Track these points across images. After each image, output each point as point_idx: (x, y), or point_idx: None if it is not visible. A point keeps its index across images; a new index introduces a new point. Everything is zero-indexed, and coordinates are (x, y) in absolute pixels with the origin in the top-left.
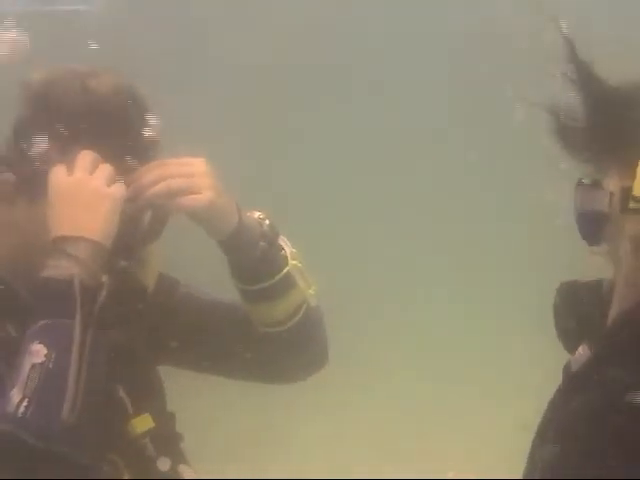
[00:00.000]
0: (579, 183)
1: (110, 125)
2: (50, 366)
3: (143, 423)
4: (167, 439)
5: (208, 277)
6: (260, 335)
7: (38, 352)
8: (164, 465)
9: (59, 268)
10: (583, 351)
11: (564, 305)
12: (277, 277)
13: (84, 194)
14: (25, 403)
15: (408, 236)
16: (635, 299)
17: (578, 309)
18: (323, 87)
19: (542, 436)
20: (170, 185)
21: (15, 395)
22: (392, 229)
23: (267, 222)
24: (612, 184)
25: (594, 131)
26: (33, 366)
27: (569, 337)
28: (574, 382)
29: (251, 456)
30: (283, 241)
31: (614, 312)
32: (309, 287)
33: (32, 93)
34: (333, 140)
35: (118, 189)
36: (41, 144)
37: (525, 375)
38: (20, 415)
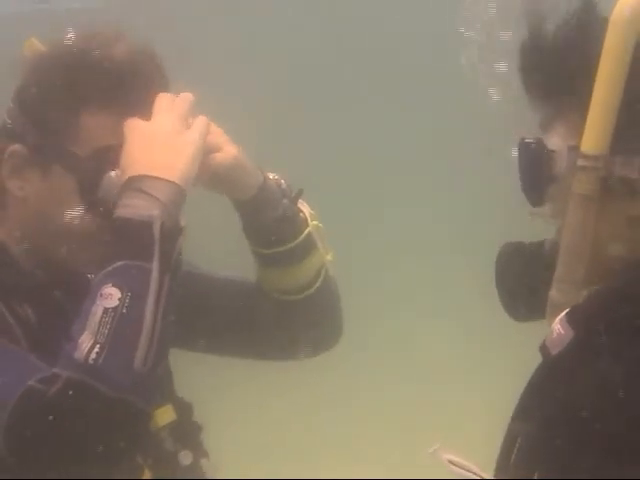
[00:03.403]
0: (521, 143)
1: (125, 90)
2: (124, 311)
3: (165, 415)
4: (187, 431)
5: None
6: (273, 306)
7: (111, 295)
8: (186, 459)
9: (136, 208)
10: (564, 331)
11: (507, 265)
12: (300, 238)
13: (165, 136)
14: (97, 349)
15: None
16: (580, 259)
17: (521, 270)
18: None
19: (525, 412)
20: None
21: (85, 341)
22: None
23: (283, 182)
24: (555, 142)
25: (535, 77)
26: (105, 310)
27: (511, 297)
28: (556, 367)
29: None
30: (300, 203)
31: (559, 273)
32: (327, 252)
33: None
34: None
35: (198, 133)
36: (53, 112)
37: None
38: (91, 362)
